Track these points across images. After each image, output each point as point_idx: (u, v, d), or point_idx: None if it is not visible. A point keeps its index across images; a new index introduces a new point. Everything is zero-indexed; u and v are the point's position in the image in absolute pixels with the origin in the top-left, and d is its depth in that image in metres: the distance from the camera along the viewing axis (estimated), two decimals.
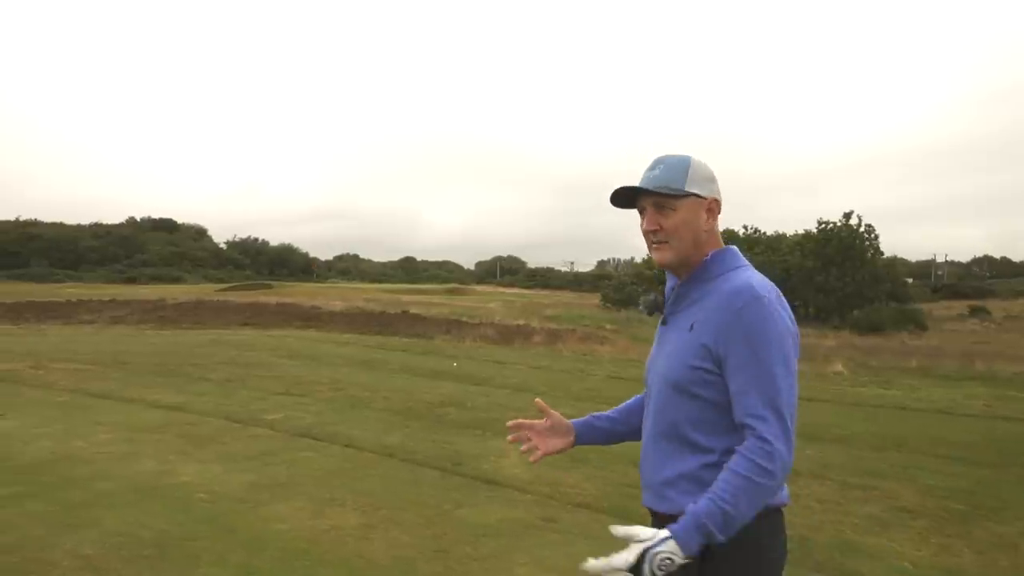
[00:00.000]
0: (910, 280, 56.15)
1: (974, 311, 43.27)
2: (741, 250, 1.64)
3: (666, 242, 1.57)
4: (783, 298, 1.52)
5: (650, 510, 1.60)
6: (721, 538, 1.36)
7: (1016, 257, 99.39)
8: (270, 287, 48.12)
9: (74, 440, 5.66)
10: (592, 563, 1.37)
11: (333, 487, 4.69)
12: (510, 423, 1.84)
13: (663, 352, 1.61)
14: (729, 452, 1.45)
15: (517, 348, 17.45)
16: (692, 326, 1.52)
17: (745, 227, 45.57)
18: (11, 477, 4.61)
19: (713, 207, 1.59)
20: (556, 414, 1.82)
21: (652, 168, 1.58)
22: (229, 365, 10.85)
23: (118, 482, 4.59)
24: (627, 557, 1.35)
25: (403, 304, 33.46)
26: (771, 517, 1.49)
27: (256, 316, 22.49)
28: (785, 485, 1.51)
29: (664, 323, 1.66)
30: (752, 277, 1.51)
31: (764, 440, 1.38)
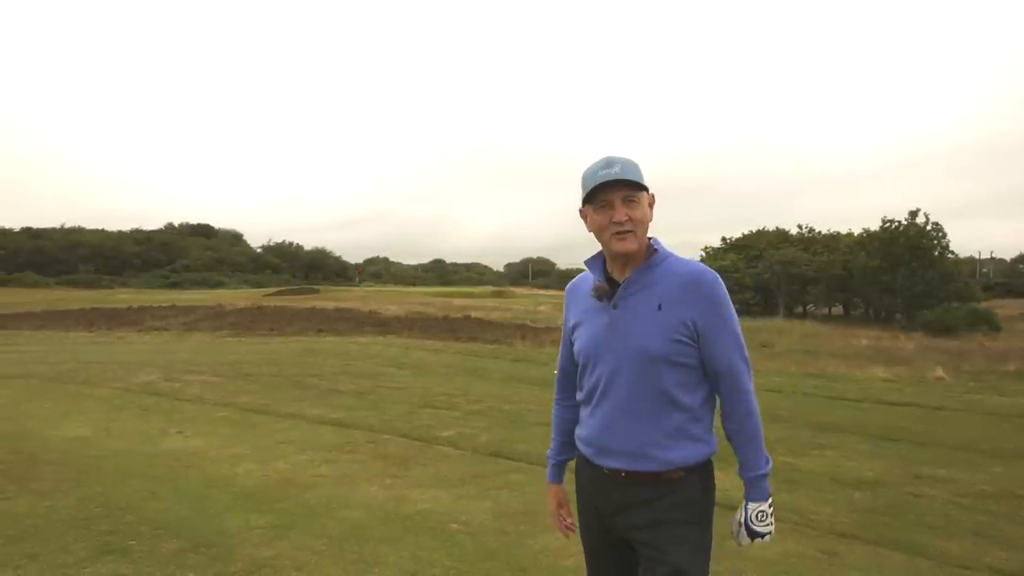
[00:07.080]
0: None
1: None
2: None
3: (632, 231, 1.72)
4: None
5: (617, 471, 1.77)
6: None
7: None
8: (316, 291, 48.38)
9: (275, 461, 5.46)
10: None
11: None
12: (560, 525, 2.07)
13: (629, 331, 1.75)
14: (703, 406, 1.77)
15: None
16: (660, 306, 1.72)
17: (799, 227, 44.31)
18: (252, 504, 4.40)
19: (653, 201, 1.80)
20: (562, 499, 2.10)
21: (611, 166, 1.72)
22: (346, 375, 10.68)
23: (361, 511, 4.36)
24: (737, 538, 1.82)
25: (458, 308, 33.39)
26: (708, 467, 1.80)
27: (326, 322, 22.44)
28: (714, 436, 1.80)
29: (616, 307, 1.77)
30: (694, 261, 1.80)
31: (747, 391, 1.76)
